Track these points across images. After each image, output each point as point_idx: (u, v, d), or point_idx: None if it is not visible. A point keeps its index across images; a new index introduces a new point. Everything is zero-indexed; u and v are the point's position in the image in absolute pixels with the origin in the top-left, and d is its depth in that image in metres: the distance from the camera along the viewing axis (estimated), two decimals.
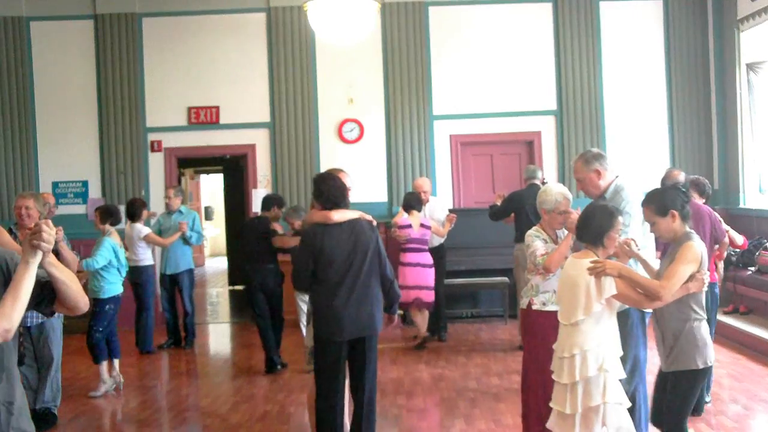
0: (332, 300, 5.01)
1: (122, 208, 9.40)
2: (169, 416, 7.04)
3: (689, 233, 4.28)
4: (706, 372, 4.20)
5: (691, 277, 4.13)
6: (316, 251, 5.00)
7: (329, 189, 5.09)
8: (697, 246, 4.20)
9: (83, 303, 2.95)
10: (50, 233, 2.71)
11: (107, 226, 7.68)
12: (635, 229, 4.81)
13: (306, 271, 5.07)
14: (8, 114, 11.17)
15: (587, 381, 4.22)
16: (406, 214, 8.96)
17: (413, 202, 8.96)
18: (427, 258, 8.93)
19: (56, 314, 6.17)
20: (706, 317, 4.26)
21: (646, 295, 4.12)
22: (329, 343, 5.06)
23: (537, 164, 11.22)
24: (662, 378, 4.31)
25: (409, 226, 8.85)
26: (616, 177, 5.08)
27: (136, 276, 9.23)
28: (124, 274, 7.75)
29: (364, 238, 5.07)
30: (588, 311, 4.20)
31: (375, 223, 5.28)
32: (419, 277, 8.84)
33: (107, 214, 7.74)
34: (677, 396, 4.17)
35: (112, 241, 7.55)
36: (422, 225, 8.92)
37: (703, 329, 4.21)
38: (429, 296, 8.91)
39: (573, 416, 4.26)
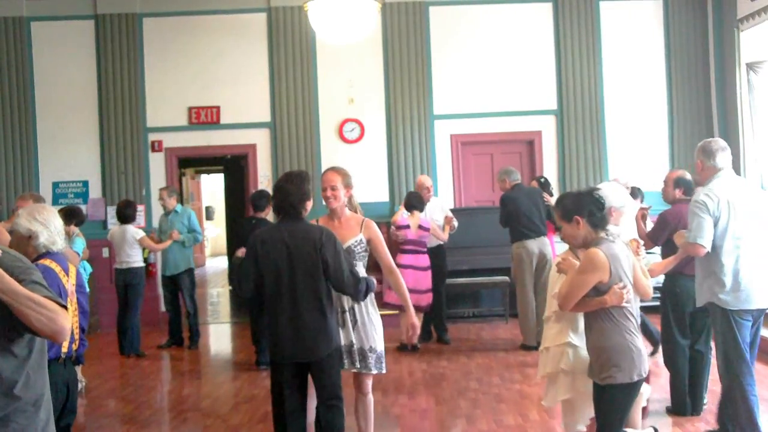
0: (272, 317, 4.60)
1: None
2: (169, 417, 7.04)
3: (600, 239, 4.02)
4: (641, 383, 4.05)
5: (609, 289, 3.92)
6: (256, 258, 4.56)
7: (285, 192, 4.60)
8: (601, 253, 3.94)
9: (49, 331, 2.65)
10: None
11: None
12: (701, 226, 4.90)
13: (247, 278, 4.61)
14: (9, 114, 11.16)
15: (550, 377, 4.39)
16: (406, 214, 8.83)
17: (415, 201, 8.78)
18: (423, 260, 8.76)
19: None
20: (638, 329, 4.09)
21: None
22: (272, 362, 4.69)
23: (537, 164, 11.26)
24: (598, 389, 4.09)
25: (408, 226, 8.73)
26: (718, 171, 5.11)
27: (130, 278, 9.19)
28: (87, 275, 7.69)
29: (302, 249, 4.49)
30: (549, 309, 4.32)
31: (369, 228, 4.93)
32: (413, 280, 8.65)
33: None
34: (615, 409, 3.99)
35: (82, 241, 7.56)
36: (421, 227, 8.74)
37: (638, 341, 4.02)
38: (423, 299, 8.73)
39: (552, 409, 4.43)
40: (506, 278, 9.89)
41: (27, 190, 10.93)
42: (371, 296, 5.01)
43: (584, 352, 4.23)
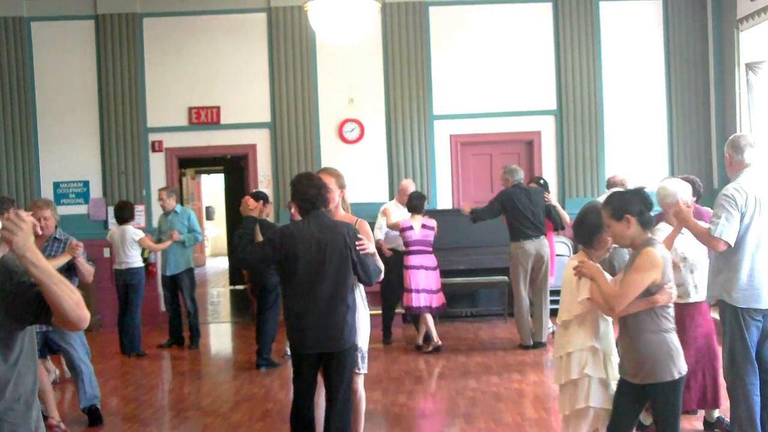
0: (297, 309, 4.72)
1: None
2: (170, 415, 7.06)
3: (650, 239, 4.07)
4: (683, 381, 4.06)
5: (660, 289, 3.96)
6: (279, 249, 4.68)
7: (304, 189, 4.77)
8: (658, 252, 3.98)
9: (75, 315, 2.64)
10: (15, 222, 2.55)
11: None
12: (729, 221, 4.85)
13: (264, 263, 4.91)
14: (9, 114, 11.19)
15: (573, 383, 4.26)
16: (407, 214, 8.88)
17: (417, 202, 8.79)
18: (431, 260, 8.80)
19: None
20: (675, 327, 4.11)
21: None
22: (294, 352, 4.85)
23: (536, 164, 11.28)
24: (629, 387, 4.12)
25: (411, 227, 8.77)
26: (745, 167, 5.07)
27: (129, 278, 9.22)
28: None
29: (334, 244, 4.67)
30: (570, 313, 4.23)
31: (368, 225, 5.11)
32: (425, 280, 8.75)
33: None
34: (663, 408, 4.04)
35: None
36: (424, 226, 8.78)
37: (675, 339, 4.05)
38: (436, 300, 8.80)
39: (567, 417, 4.32)
40: (505, 278, 9.90)
41: (28, 191, 10.99)
42: (363, 295, 5.07)
43: (602, 355, 4.22)
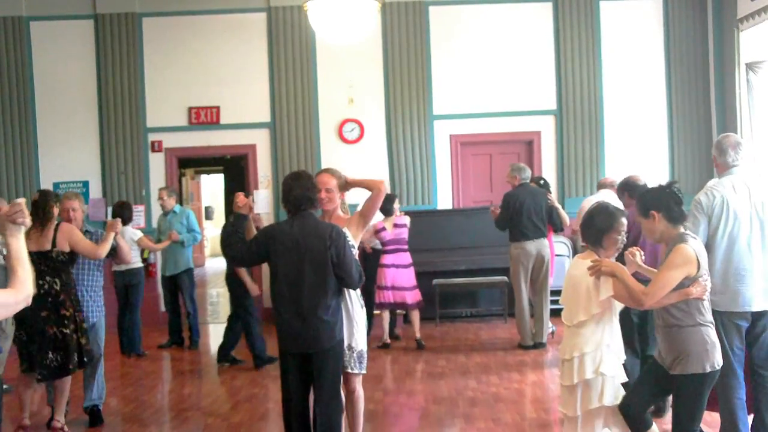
0: (279, 309, 4.76)
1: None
2: (170, 416, 7.05)
3: (682, 235, 4.09)
4: (715, 375, 4.06)
5: (694, 282, 4.00)
6: (263, 247, 4.75)
7: (289, 190, 4.77)
8: (690, 248, 4.02)
9: (31, 288, 2.99)
10: (23, 206, 2.97)
11: None
12: (696, 227, 4.84)
13: (250, 260, 5.01)
14: (8, 114, 11.18)
15: (585, 384, 4.21)
16: (382, 216, 9.01)
17: (387, 206, 8.84)
18: (403, 258, 8.98)
19: (102, 312, 6.45)
20: (713, 321, 4.11)
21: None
22: (279, 352, 4.88)
23: (536, 164, 11.27)
24: (663, 374, 4.19)
25: (384, 228, 8.92)
26: (730, 168, 5.04)
27: (129, 278, 9.22)
28: None
29: (313, 245, 4.66)
30: (588, 313, 4.18)
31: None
32: (395, 278, 8.91)
33: None
34: (687, 400, 4.05)
35: None
36: (396, 225, 8.95)
37: (711, 333, 4.07)
38: (409, 297, 8.96)
39: (576, 419, 4.27)
40: (504, 278, 9.89)
41: (28, 191, 10.96)
42: (358, 295, 5.06)
43: (615, 353, 4.23)
